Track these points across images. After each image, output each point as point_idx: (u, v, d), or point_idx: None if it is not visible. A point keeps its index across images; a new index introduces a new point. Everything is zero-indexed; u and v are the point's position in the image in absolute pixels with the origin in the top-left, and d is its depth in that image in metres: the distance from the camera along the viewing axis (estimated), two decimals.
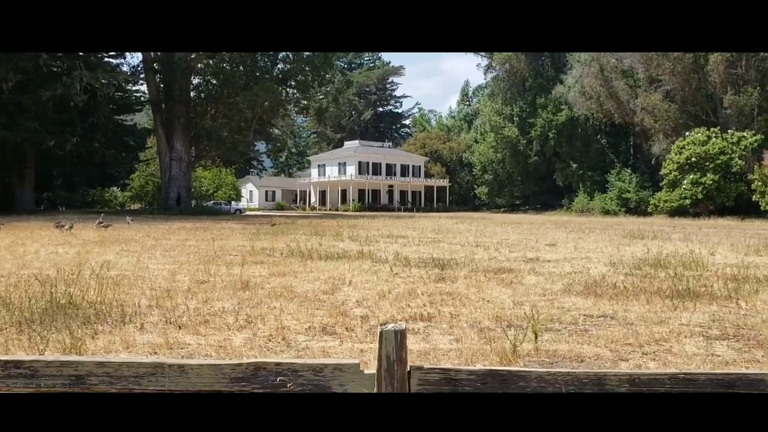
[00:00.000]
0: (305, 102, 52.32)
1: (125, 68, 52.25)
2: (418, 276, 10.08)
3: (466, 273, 10.52)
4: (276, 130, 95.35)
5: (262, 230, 22.29)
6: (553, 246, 17.38)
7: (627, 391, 2.06)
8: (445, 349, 5.40)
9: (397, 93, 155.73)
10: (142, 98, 54.32)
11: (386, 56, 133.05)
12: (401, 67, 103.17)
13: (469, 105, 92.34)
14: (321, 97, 54.55)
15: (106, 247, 13.98)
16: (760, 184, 47.82)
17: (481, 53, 76.63)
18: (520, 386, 2.05)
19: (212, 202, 57.14)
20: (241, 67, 49.49)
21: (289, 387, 2.01)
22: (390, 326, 2.05)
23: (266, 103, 48.59)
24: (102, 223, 21.40)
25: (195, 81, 50.68)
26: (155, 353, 5.05)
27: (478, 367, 2.22)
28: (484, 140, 77.52)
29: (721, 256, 14.47)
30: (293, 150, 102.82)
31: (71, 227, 19.05)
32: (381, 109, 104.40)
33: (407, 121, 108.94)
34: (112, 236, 17.46)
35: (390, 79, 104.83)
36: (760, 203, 47.90)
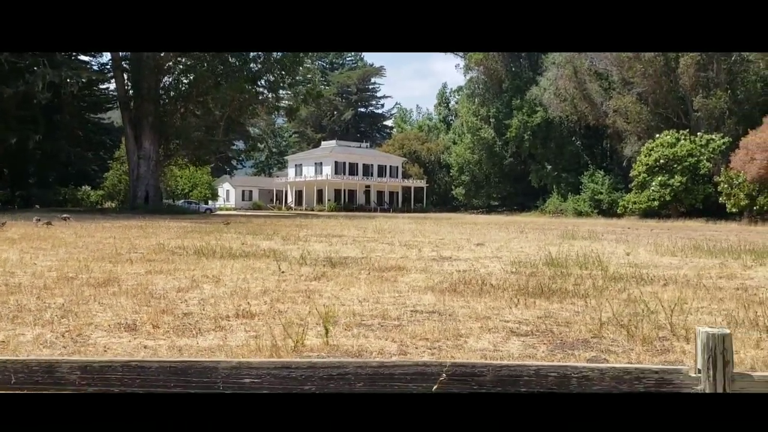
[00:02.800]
0: (275, 102, 52.18)
1: (94, 66, 51.88)
2: (300, 274, 10.09)
3: (352, 271, 10.55)
4: (256, 129, 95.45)
5: (203, 228, 22.25)
6: (480, 245, 17.46)
7: (78, 378, 2.09)
8: (232, 345, 5.42)
9: (385, 93, 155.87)
10: (112, 96, 54.00)
11: (371, 57, 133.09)
12: (382, 68, 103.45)
13: (447, 107, 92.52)
14: (300, 97, 54.56)
15: (14, 245, 13.91)
16: (726, 186, 48.22)
17: (459, 54, 76.90)
18: None
19: (182, 201, 56.90)
20: (215, 67, 49.31)
21: None
22: None
23: (235, 102, 48.50)
24: (40, 220, 21.29)
25: (164, 79, 50.42)
26: None
27: None
28: (461, 141, 77.74)
29: (632, 257, 14.59)
30: (274, 150, 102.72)
31: (3, 224, 18.93)
32: (362, 110, 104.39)
33: (389, 122, 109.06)
34: (36, 234, 17.38)
35: (372, 80, 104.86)
36: (726, 205, 48.32)
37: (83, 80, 43.57)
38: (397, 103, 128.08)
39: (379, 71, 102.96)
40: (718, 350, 2.07)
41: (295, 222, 30.63)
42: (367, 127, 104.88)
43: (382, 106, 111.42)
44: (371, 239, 19.14)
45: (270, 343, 5.30)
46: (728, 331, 2.10)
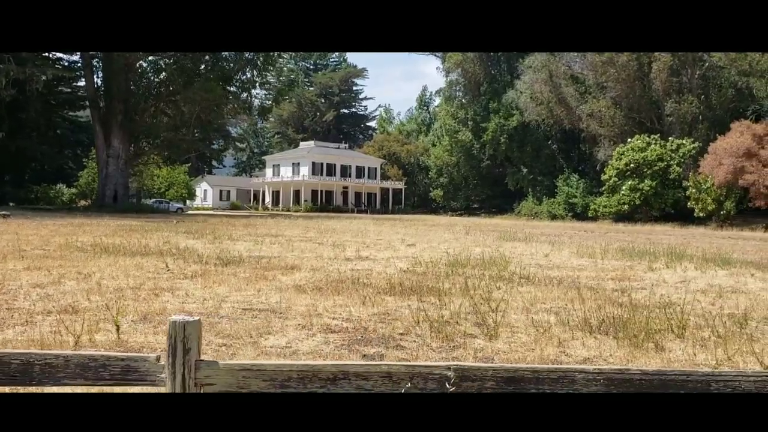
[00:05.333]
0: (248, 101, 52.03)
1: (65, 63, 51.54)
2: (182, 273, 10.05)
3: (237, 270, 10.52)
4: (237, 130, 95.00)
5: (145, 227, 22.13)
6: (410, 246, 17.50)
7: None
8: (22, 339, 5.38)
9: (368, 95, 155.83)
10: (83, 94, 53.62)
11: (360, 59, 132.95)
12: (364, 69, 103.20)
13: (428, 109, 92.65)
14: (272, 95, 54.43)
15: None
16: (694, 190, 48.53)
17: (438, 55, 77.04)
18: None
19: (153, 200, 56.62)
20: (186, 66, 49.15)
21: None
22: None
23: (206, 102, 48.31)
24: None
25: (135, 78, 50.14)
26: None
27: None
28: (440, 143, 77.84)
29: (550, 258, 14.65)
30: (255, 150, 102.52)
31: None
32: (345, 111, 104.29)
33: (372, 123, 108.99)
34: None
35: (355, 81, 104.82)
36: (694, 210, 48.59)
37: (49, 78, 43.16)
38: (379, 105, 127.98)
39: (361, 73, 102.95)
40: (179, 338, 2.06)
41: (250, 222, 30.56)
42: (349, 128, 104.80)
43: (365, 108, 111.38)
44: (306, 239, 19.11)
45: (54, 339, 5.27)
46: (195, 318, 2.10)
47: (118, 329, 5.52)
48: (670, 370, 2.14)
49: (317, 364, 2.11)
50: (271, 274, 10.10)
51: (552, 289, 9.39)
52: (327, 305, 7.38)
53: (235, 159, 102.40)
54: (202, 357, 2.12)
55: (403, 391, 2.03)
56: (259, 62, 49.27)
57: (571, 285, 9.90)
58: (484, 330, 6.23)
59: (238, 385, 2.09)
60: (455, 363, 2.12)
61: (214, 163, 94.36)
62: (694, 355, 5.64)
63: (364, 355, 5.15)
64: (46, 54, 48.51)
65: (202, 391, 2.08)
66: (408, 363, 2.17)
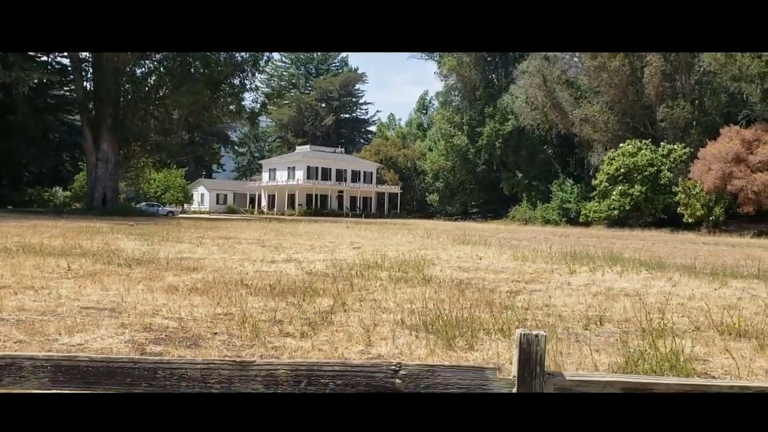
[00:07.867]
0: (233, 106, 52.30)
1: (56, 66, 51.99)
2: (76, 272, 10.09)
3: (133, 271, 10.54)
4: (239, 134, 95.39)
5: (99, 229, 22.26)
6: (355, 249, 17.48)
7: None
8: None
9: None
10: (73, 97, 54.08)
11: (362, 63, 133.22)
12: (364, 74, 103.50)
13: (427, 113, 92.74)
14: (260, 100, 54.70)
15: None
16: (683, 196, 48.13)
17: (435, 59, 77.08)
18: None
19: (144, 203, 56.99)
20: (175, 69, 49.51)
21: None
22: None
23: (195, 105, 48.62)
24: None
25: (124, 81, 50.54)
26: None
27: None
28: (436, 148, 77.82)
29: (482, 261, 14.57)
30: (256, 154, 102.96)
31: None
32: (345, 115, 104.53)
33: (372, 128, 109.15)
34: None
35: (355, 86, 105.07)
36: (684, 215, 48.17)
37: (36, 81, 43.54)
38: (377, 111, 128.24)
39: (361, 77, 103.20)
40: None
41: (218, 225, 30.70)
42: (349, 132, 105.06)
43: (366, 112, 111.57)
44: (255, 241, 19.12)
45: None
46: None
47: None
48: (118, 357, 2.11)
49: None
50: (163, 275, 10.10)
51: (439, 289, 9.32)
52: (176, 306, 7.34)
53: (235, 163, 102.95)
54: None
55: None
56: (247, 67, 49.51)
57: (464, 286, 9.84)
58: (307, 330, 6.19)
59: None
60: None
61: (215, 167, 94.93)
62: (498, 354, 5.57)
63: (142, 353, 5.12)
64: (42, 57, 49.16)
65: None
66: None
